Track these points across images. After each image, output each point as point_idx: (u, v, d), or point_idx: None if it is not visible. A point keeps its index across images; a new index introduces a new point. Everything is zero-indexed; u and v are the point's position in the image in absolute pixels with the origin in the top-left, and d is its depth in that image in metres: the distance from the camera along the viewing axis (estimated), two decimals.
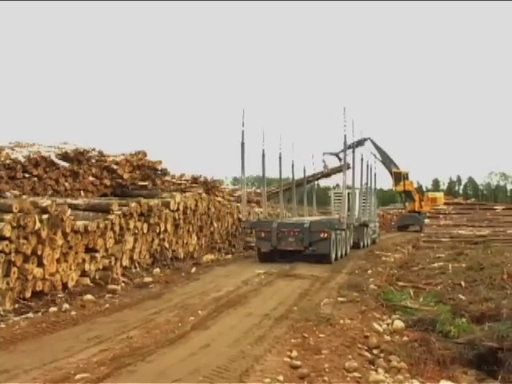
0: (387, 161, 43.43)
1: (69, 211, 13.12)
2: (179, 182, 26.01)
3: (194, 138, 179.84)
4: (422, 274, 16.91)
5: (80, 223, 13.42)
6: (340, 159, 39.78)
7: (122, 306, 11.60)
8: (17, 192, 16.06)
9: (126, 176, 21.10)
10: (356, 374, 7.42)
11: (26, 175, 17.43)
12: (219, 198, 25.40)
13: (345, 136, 21.53)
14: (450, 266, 17.66)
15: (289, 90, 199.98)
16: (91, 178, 19.97)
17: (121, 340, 8.66)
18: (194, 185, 25.94)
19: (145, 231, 16.78)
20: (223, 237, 24.04)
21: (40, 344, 8.52)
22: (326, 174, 36.36)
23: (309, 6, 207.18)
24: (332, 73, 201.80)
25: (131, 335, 8.93)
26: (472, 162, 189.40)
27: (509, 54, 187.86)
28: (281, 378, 6.89)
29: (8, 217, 11.16)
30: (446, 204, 39.65)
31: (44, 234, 11.92)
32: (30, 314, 10.57)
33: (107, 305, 11.70)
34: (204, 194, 23.18)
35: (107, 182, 20.62)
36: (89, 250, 13.80)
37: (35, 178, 17.63)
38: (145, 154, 22.84)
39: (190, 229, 20.31)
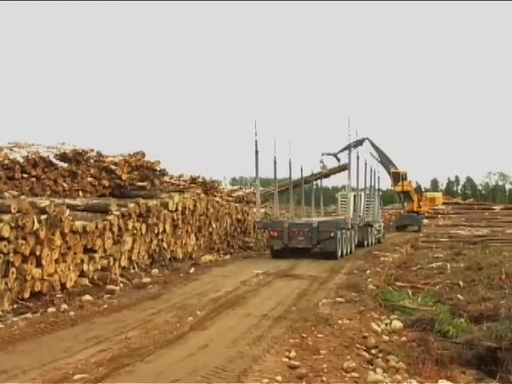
0: (385, 161, 43.39)
1: (67, 212, 13.12)
2: (178, 182, 26.05)
3: (192, 139, 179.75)
4: (421, 273, 16.91)
5: (78, 224, 13.42)
6: (338, 160, 39.89)
7: (120, 307, 11.60)
8: (15, 192, 16.08)
9: (124, 176, 21.13)
10: (354, 374, 7.42)
11: (25, 175, 17.45)
12: (218, 199, 25.46)
13: (349, 144, 22.54)
14: (449, 265, 17.66)
15: (288, 88, 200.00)
16: (90, 179, 20.00)
17: (119, 340, 8.67)
18: (193, 185, 26.00)
19: (143, 232, 16.78)
20: (222, 237, 24.07)
21: (38, 344, 8.53)
22: (325, 175, 36.35)
23: (308, 5, 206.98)
24: (331, 72, 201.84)
25: (130, 336, 8.93)
26: (470, 162, 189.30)
27: (507, 54, 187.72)
28: (279, 378, 6.89)
29: (6, 217, 11.16)
30: (444, 204, 39.66)
31: (42, 234, 11.92)
32: (29, 315, 10.57)
33: (106, 305, 11.70)
34: (202, 195, 23.23)
35: (106, 182, 20.65)
36: (87, 250, 13.80)
37: (34, 179, 17.65)
38: (143, 155, 22.88)
39: (189, 229, 20.32)
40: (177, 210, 19.18)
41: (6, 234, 10.94)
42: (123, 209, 15.80)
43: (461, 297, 12.85)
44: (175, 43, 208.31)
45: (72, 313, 10.76)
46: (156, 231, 17.56)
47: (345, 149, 38.82)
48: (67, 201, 15.77)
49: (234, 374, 7.01)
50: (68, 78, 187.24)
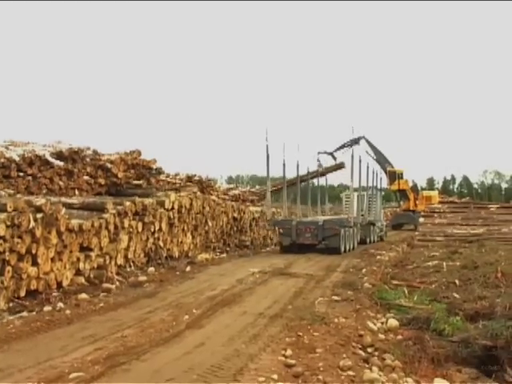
0: (382, 159, 43.39)
1: (63, 210, 13.11)
2: (174, 180, 26.04)
3: (188, 137, 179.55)
4: (417, 272, 16.94)
5: (74, 222, 13.41)
6: (334, 158, 39.89)
7: (116, 305, 11.59)
8: (11, 191, 16.03)
9: (120, 175, 21.08)
10: (350, 373, 7.41)
11: (21, 174, 17.38)
12: (214, 197, 25.43)
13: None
14: (445, 264, 17.69)
15: (286, 87, 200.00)
16: (86, 177, 19.94)
17: (115, 339, 8.66)
18: (189, 184, 25.99)
19: (139, 230, 16.77)
20: (218, 236, 24.07)
21: (34, 343, 8.52)
22: (321, 173, 36.31)
23: (308, 4, 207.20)
24: (329, 72, 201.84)
25: (126, 334, 8.93)
26: (467, 161, 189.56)
27: (502, 53, 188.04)
28: (275, 376, 6.89)
29: (2, 216, 11.15)
30: (440, 203, 39.70)
31: (38, 232, 11.91)
32: (25, 313, 10.56)
33: (102, 304, 11.69)
34: (199, 193, 23.21)
35: (102, 180, 20.60)
36: (83, 248, 13.79)
37: (30, 177, 17.59)
38: (139, 153, 22.83)
39: (185, 228, 20.31)
40: (173, 208, 19.17)
41: (1, 232, 10.93)
42: (119, 207, 15.79)
43: (457, 295, 12.87)
44: (172, 42, 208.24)
45: (68, 311, 10.76)
46: (152, 229, 17.55)
47: (341, 147, 38.94)
48: (63, 199, 15.73)
49: (230, 372, 7.01)
50: (64, 76, 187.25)
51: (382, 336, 9.74)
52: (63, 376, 6.76)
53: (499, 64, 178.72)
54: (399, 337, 9.87)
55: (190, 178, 27.67)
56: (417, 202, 46.77)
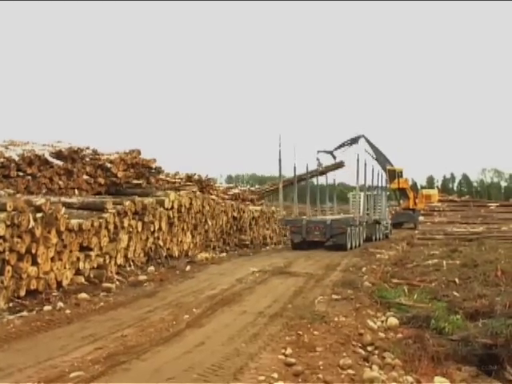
0: (381, 158, 43.33)
1: (63, 210, 13.10)
2: (173, 180, 26.00)
3: (188, 137, 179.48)
4: (417, 271, 16.92)
5: (74, 222, 13.40)
6: (334, 157, 39.87)
7: (116, 305, 11.60)
8: (11, 190, 16.02)
9: (120, 174, 21.06)
10: (350, 371, 7.42)
11: (20, 174, 17.38)
12: (213, 197, 25.40)
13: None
14: (445, 262, 17.67)
15: (286, 85, 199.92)
16: (85, 177, 19.93)
17: (115, 338, 8.67)
18: (189, 183, 25.95)
19: (139, 230, 16.76)
20: (218, 235, 24.05)
21: (34, 342, 8.52)
22: (321, 172, 36.30)
23: (308, 5, 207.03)
24: (328, 72, 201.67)
25: (126, 333, 8.94)
26: (466, 159, 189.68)
27: (499, 52, 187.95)
28: (275, 375, 6.90)
29: (2, 215, 11.14)
30: (440, 201, 39.68)
31: (38, 232, 11.90)
32: (25, 313, 10.55)
33: (102, 303, 11.69)
34: (198, 193, 23.20)
35: (101, 180, 20.59)
36: (83, 248, 13.78)
37: (29, 177, 17.58)
38: (139, 153, 22.81)
39: (185, 227, 20.30)
40: (173, 207, 19.17)
41: (1, 232, 10.92)
42: (119, 207, 15.78)
43: (456, 294, 12.87)
44: (172, 42, 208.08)
45: (68, 311, 10.76)
46: (152, 229, 17.54)
47: (340, 146, 38.93)
48: (63, 199, 15.73)
49: (230, 371, 7.01)
50: (63, 75, 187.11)
51: (382, 334, 9.75)
52: (63, 375, 6.76)
53: (498, 63, 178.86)
54: (399, 335, 9.87)
55: (189, 178, 27.64)
56: (416, 201, 46.78)
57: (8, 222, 11.14)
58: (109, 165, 20.88)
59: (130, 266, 16.06)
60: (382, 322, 10.63)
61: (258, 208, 30.57)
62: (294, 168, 30.25)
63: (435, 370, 8.38)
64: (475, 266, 16.20)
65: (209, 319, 10.17)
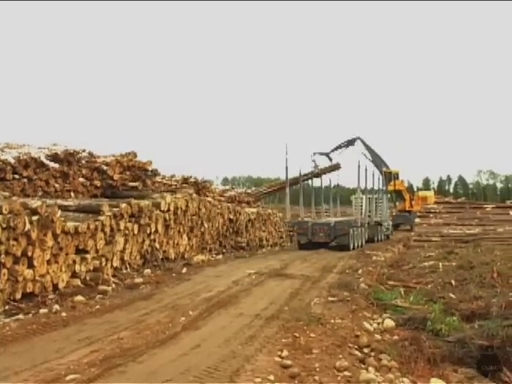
0: (378, 160, 43.32)
1: (59, 212, 13.08)
2: (170, 182, 26.01)
3: (184, 139, 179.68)
4: (413, 272, 16.94)
5: (70, 224, 13.39)
6: (330, 159, 39.84)
7: (112, 307, 11.57)
8: (6, 193, 15.98)
9: (116, 177, 21.07)
10: (347, 373, 7.43)
11: (16, 176, 17.36)
12: (210, 199, 25.40)
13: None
14: (441, 264, 17.69)
15: (284, 87, 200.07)
16: (81, 179, 19.93)
17: (111, 341, 8.65)
18: (185, 185, 25.97)
19: (135, 232, 16.75)
20: (214, 237, 24.04)
21: (30, 345, 8.50)
22: (317, 174, 36.29)
23: (308, 5, 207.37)
24: (327, 73, 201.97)
25: (122, 336, 8.92)
26: (462, 161, 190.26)
27: (496, 55, 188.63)
28: (271, 377, 6.90)
29: None
30: (436, 203, 39.69)
31: (34, 235, 11.89)
32: (21, 316, 10.53)
33: (98, 306, 11.67)
34: (194, 195, 23.19)
35: (97, 183, 20.59)
36: (79, 251, 13.77)
37: (25, 179, 17.56)
38: (135, 155, 22.83)
39: (181, 229, 20.29)
40: (169, 210, 19.15)
41: None
42: (115, 209, 15.77)
43: (453, 295, 12.88)
44: (169, 45, 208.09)
45: (64, 314, 10.73)
46: (148, 231, 17.53)
47: (336, 148, 38.88)
48: (59, 201, 15.71)
49: (226, 373, 7.01)
50: (60, 78, 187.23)
51: (378, 336, 9.75)
52: (59, 378, 6.75)
53: (494, 66, 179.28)
54: (395, 337, 9.86)
55: (185, 180, 27.67)
56: (412, 203, 46.84)
57: (4, 225, 11.12)
58: (105, 167, 20.89)
59: (126, 268, 16.04)
60: (379, 323, 10.63)
61: (255, 210, 30.60)
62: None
63: (431, 372, 8.37)
64: (471, 268, 16.21)
65: (205, 321, 10.16)
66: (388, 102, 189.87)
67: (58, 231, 12.75)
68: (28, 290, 11.67)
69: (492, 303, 11.30)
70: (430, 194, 51.30)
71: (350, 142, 37.78)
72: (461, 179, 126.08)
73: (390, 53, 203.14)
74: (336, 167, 38.17)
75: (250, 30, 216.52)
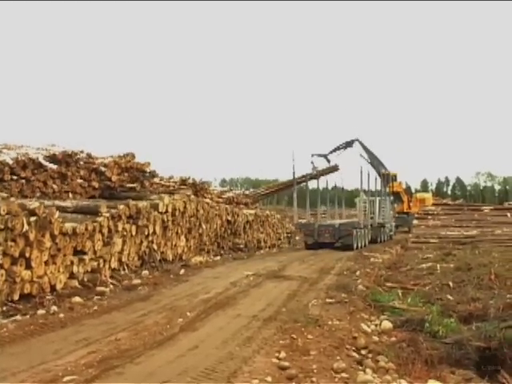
0: (376, 162, 43.36)
1: (57, 213, 13.07)
2: (168, 183, 25.97)
3: (182, 140, 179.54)
4: (410, 274, 16.98)
5: (68, 225, 13.37)
6: (328, 161, 39.84)
7: (110, 308, 11.57)
8: (4, 194, 15.95)
9: (114, 178, 21.05)
10: (344, 375, 7.42)
11: (14, 177, 17.35)
12: (208, 200, 25.37)
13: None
14: (438, 266, 17.74)
15: (283, 87, 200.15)
16: (79, 180, 19.92)
17: (109, 342, 8.65)
18: (183, 187, 25.92)
19: (133, 233, 16.74)
20: (212, 239, 24.01)
21: (28, 346, 8.49)
22: (315, 176, 36.31)
23: (307, 5, 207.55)
24: (327, 75, 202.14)
25: (119, 337, 8.91)
26: (460, 163, 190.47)
27: (494, 57, 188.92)
28: (269, 378, 6.90)
29: None
30: (434, 205, 39.79)
31: (32, 236, 11.87)
32: (18, 317, 10.51)
33: (95, 307, 11.67)
34: (192, 196, 23.16)
35: (95, 184, 20.57)
36: (77, 252, 13.75)
37: (23, 180, 17.55)
38: (133, 156, 22.82)
39: (179, 231, 20.27)
40: (167, 211, 19.13)
41: None
42: (113, 210, 15.76)
43: (450, 297, 12.92)
44: (164, 47, 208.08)
45: (62, 315, 10.73)
46: (146, 233, 17.51)
47: (335, 150, 38.88)
48: (57, 202, 15.69)
49: (223, 374, 7.00)
50: (58, 79, 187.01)
51: (375, 338, 9.75)
52: (57, 379, 6.74)
53: (492, 68, 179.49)
54: (393, 339, 9.88)
55: (183, 181, 27.63)
56: (411, 205, 46.84)
57: (2, 226, 11.12)
58: (103, 168, 20.87)
59: (124, 269, 16.03)
60: (376, 325, 10.64)
61: (253, 211, 30.57)
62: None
63: (429, 374, 8.37)
64: (469, 270, 16.26)
65: (203, 323, 10.15)
66: (387, 104, 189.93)
67: (56, 232, 12.73)
68: (26, 291, 11.65)
69: (489, 305, 11.34)
70: (428, 195, 51.35)
71: (349, 144, 37.82)
72: (459, 181, 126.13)
73: (390, 55, 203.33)
74: (334, 169, 38.17)
75: (250, 31, 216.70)
